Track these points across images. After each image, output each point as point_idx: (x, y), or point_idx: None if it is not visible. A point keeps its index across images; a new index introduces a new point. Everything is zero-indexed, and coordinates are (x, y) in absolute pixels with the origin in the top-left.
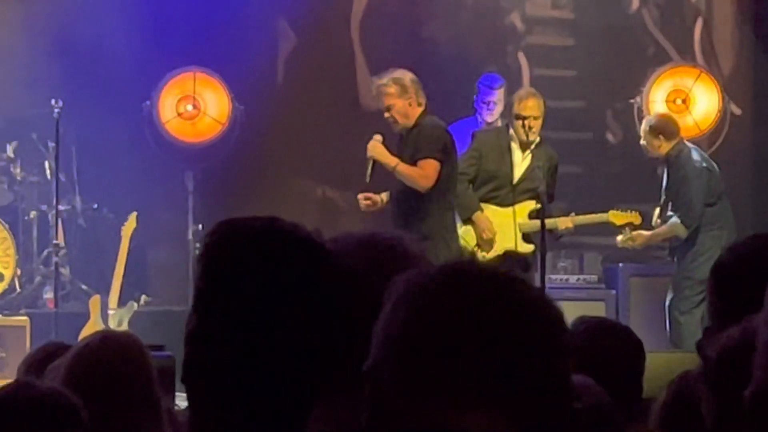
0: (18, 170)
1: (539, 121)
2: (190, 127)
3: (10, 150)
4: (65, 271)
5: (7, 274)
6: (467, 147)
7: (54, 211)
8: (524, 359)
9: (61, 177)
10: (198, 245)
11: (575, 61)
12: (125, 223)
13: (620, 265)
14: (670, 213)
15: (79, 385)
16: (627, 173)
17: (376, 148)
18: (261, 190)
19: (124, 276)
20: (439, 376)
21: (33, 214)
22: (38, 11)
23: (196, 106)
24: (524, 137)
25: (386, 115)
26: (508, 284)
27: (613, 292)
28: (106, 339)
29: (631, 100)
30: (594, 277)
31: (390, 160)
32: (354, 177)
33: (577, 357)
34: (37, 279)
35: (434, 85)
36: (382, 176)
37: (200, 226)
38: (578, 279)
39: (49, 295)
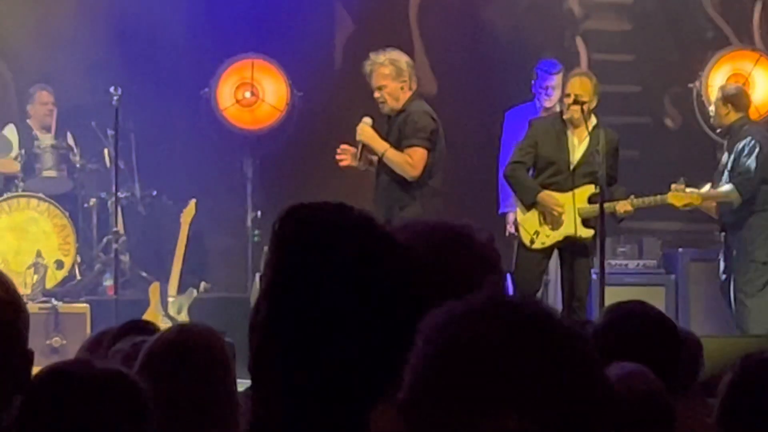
0: (77, 158)
1: (586, 100)
2: (248, 114)
3: (69, 138)
4: (125, 258)
5: (68, 261)
6: (524, 135)
7: (113, 199)
8: (559, 391)
9: (121, 164)
10: (257, 232)
11: (633, 46)
12: (184, 210)
13: (680, 250)
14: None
15: (157, 375)
16: (685, 158)
17: (365, 131)
18: (319, 176)
19: (183, 263)
20: (473, 408)
21: (93, 201)
22: None
23: (254, 93)
24: (574, 116)
25: (376, 95)
26: (535, 312)
27: (673, 277)
28: (188, 330)
29: (690, 85)
30: (653, 263)
31: (380, 145)
32: None
33: (608, 345)
34: (97, 266)
35: (492, 70)
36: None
37: (259, 213)
38: (638, 264)
39: (108, 282)
